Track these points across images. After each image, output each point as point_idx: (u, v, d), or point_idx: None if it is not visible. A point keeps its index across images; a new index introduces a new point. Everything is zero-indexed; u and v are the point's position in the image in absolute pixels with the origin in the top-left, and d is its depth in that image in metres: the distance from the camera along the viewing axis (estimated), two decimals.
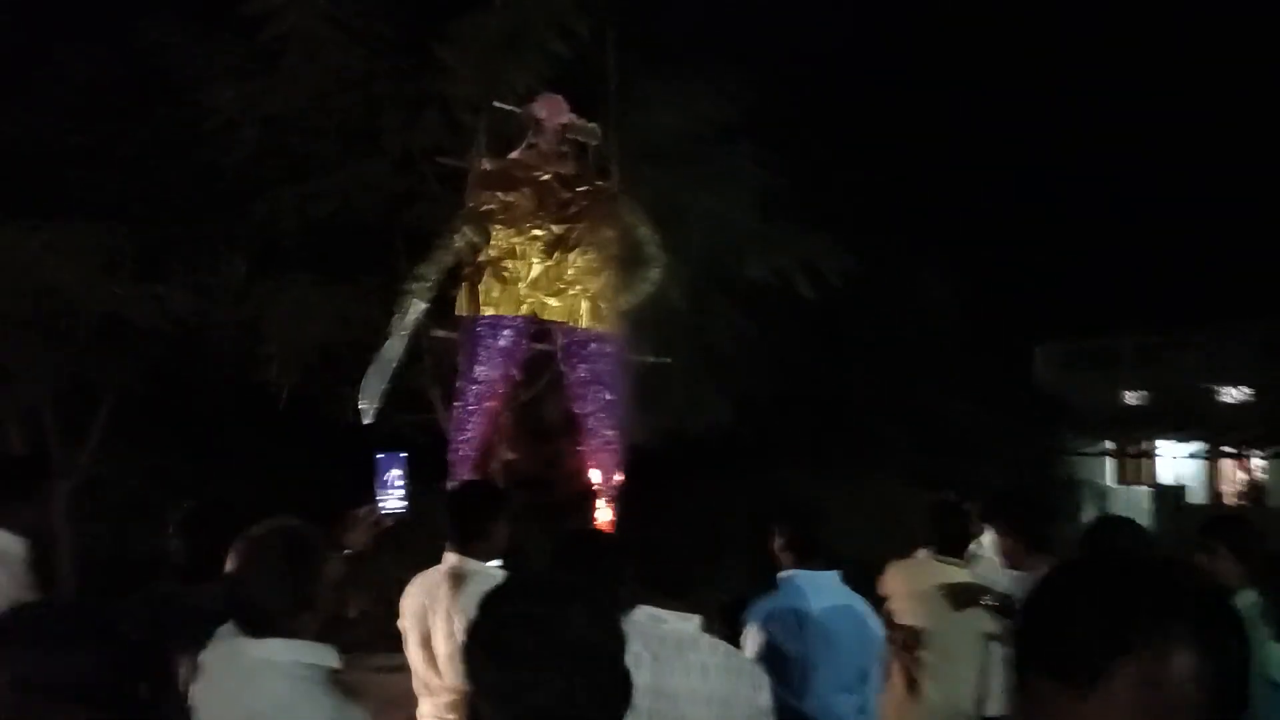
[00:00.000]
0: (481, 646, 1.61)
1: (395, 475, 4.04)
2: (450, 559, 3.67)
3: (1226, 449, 19.61)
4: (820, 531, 3.61)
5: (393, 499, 3.98)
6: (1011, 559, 3.86)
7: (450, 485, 7.09)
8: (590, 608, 1.65)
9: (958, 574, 4.18)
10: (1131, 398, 19.63)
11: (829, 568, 3.53)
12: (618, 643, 1.65)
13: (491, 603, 1.66)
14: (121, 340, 8.64)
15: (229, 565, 2.63)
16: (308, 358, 8.33)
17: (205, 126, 8.01)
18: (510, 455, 8.66)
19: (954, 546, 4.27)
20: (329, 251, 8.48)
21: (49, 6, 8.97)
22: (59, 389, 9.49)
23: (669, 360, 8.06)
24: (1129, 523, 3.47)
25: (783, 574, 3.53)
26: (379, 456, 4.09)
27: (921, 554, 5.11)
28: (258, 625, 2.48)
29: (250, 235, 8.29)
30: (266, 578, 2.53)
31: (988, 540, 4.77)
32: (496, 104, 7.36)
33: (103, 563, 10.24)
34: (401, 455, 4.11)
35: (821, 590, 3.45)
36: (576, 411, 7.45)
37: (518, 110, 7.37)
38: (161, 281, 8.12)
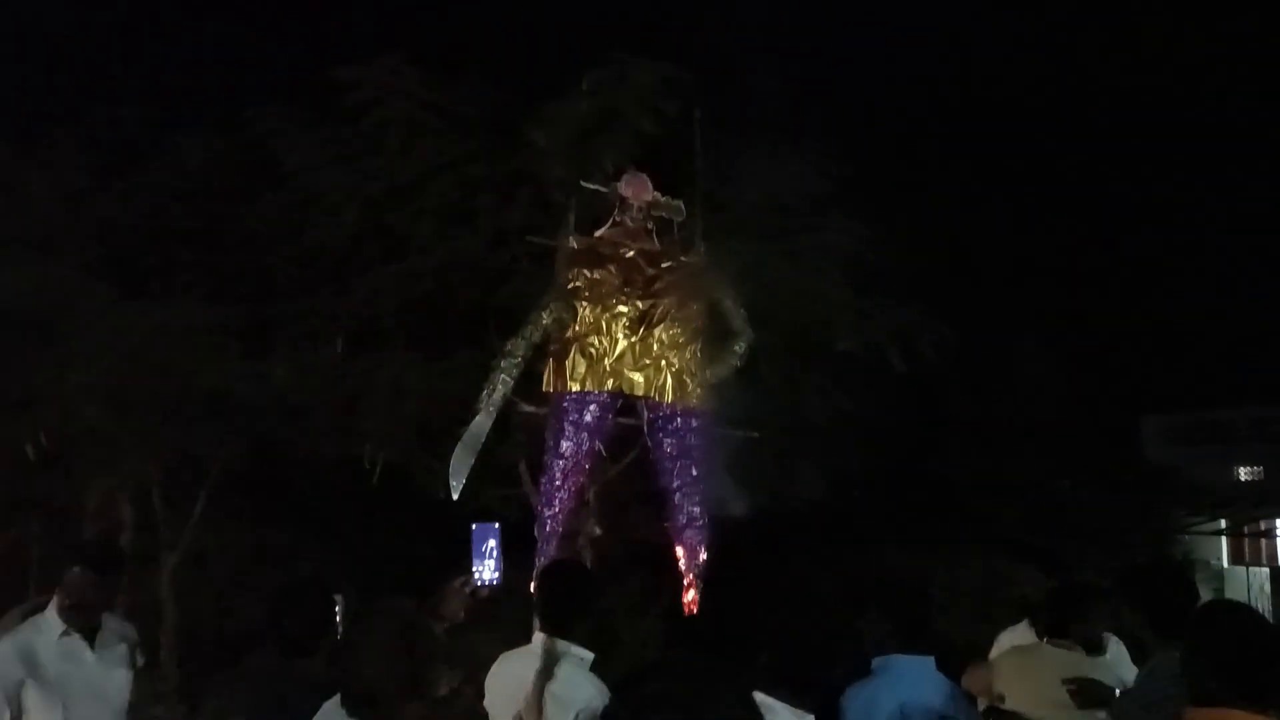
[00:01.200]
0: None
1: (490, 546, 4.05)
2: (540, 639, 3.63)
3: None
4: (924, 614, 3.43)
5: (488, 570, 3.98)
6: (1136, 641, 3.60)
7: (540, 564, 7.10)
8: (730, 688, 1.63)
9: (1081, 663, 3.95)
10: (1246, 473, 18.73)
11: (928, 653, 3.36)
12: None
13: (633, 686, 1.65)
14: (226, 416, 8.93)
15: (344, 645, 2.64)
16: (403, 433, 8.48)
17: (311, 209, 8.33)
18: (598, 530, 8.65)
19: (1065, 629, 4.08)
20: (424, 329, 8.68)
21: (166, 97, 9.52)
22: (167, 464, 9.82)
23: (757, 435, 7.98)
24: (1244, 608, 3.16)
25: (879, 659, 3.37)
26: (474, 527, 4.12)
27: (1019, 630, 4.85)
28: (366, 708, 2.48)
29: (350, 313, 8.53)
30: (380, 662, 2.53)
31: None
32: (584, 183, 7.51)
33: (206, 635, 10.48)
34: (495, 525, 4.12)
35: (921, 677, 3.28)
36: (663, 487, 7.42)
37: (605, 189, 7.51)
38: (265, 359, 8.39)
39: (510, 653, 3.72)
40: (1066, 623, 4.09)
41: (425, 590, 3.89)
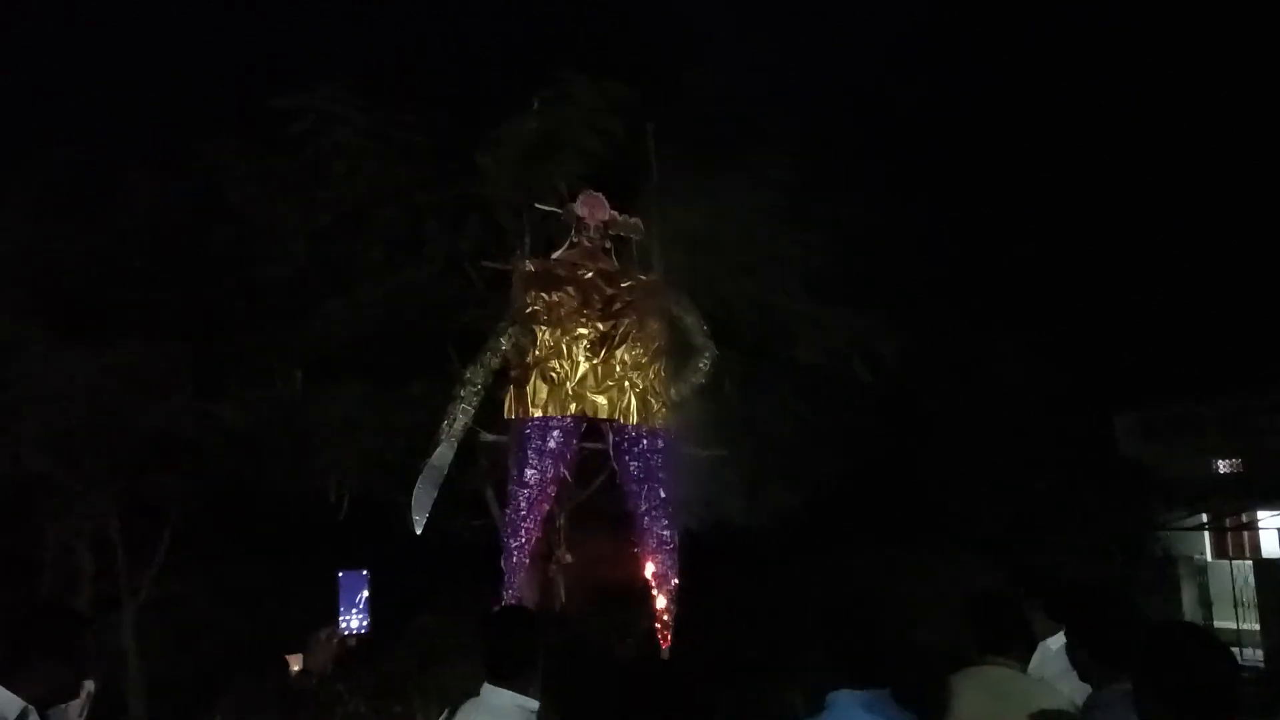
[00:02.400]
0: None
1: (361, 595, 3.93)
2: (486, 691, 3.49)
3: None
4: (871, 646, 3.24)
5: (355, 619, 3.86)
6: (1081, 670, 3.36)
7: (506, 600, 6.92)
8: None
9: (1030, 690, 3.72)
10: (1225, 466, 18.68)
11: (880, 685, 3.18)
12: None
13: None
14: (179, 458, 8.72)
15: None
16: (363, 467, 8.28)
17: (257, 243, 8.14)
18: (569, 557, 8.47)
19: (1004, 645, 3.83)
20: (380, 360, 8.50)
21: (109, 135, 9.32)
22: (124, 509, 9.57)
23: (725, 453, 7.84)
24: (1196, 633, 2.95)
25: (831, 694, 3.21)
26: (341, 575, 3.99)
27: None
28: None
29: (302, 347, 8.33)
30: None
31: (1055, 645, 4.34)
32: (537, 205, 7.37)
33: (173, 682, 10.20)
34: (364, 574, 3.99)
35: (871, 714, 3.12)
36: (631, 509, 7.26)
37: (559, 210, 7.37)
38: (215, 398, 8.18)
39: (464, 706, 3.58)
40: (1005, 641, 3.84)
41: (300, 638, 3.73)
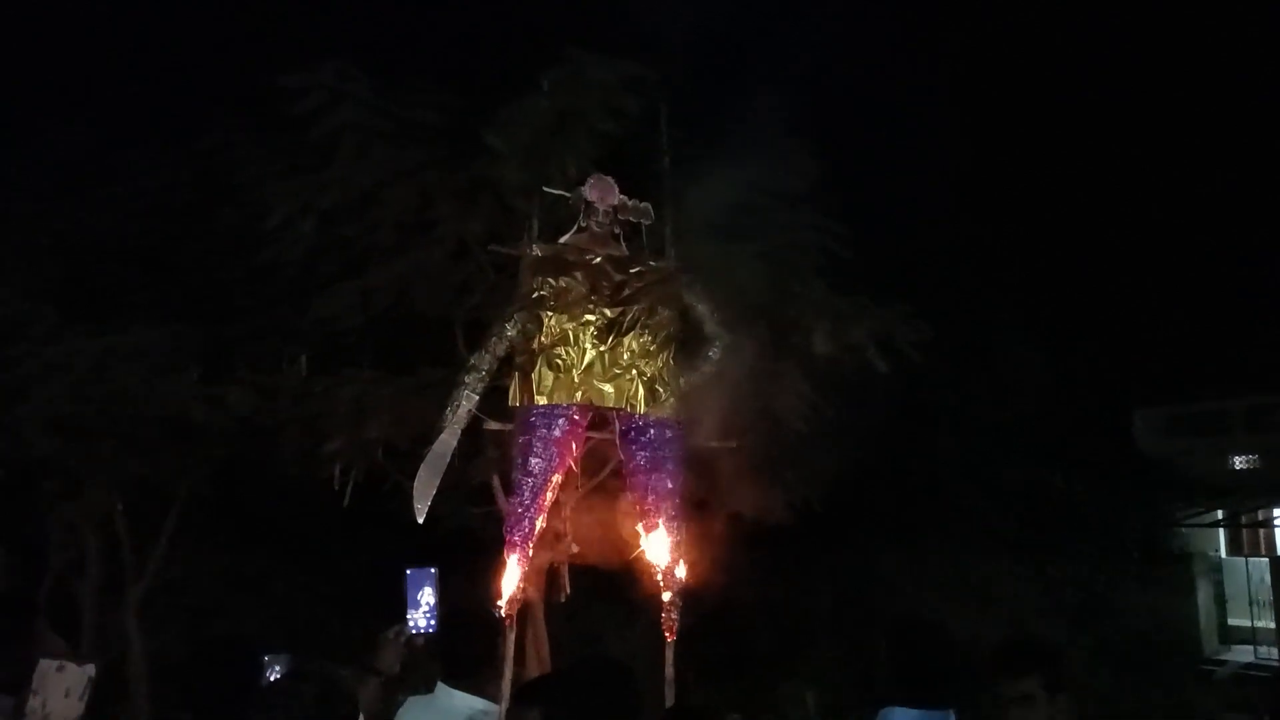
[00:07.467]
0: None
1: (426, 592, 3.81)
2: (441, 690, 3.39)
3: None
4: (937, 661, 2.97)
5: (423, 617, 3.74)
6: None
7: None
8: None
9: None
10: (1242, 462, 18.44)
11: (940, 705, 2.93)
12: None
13: None
14: (187, 442, 8.63)
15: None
16: (371, 453, 8.17)
17: (264, 225, 8.01)
18: (575, 548, 8.35)
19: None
20: (388, 345, 8.38)
21: (116, 114, 9.23)
22: (130, 493, 9.51)
23: (734, 444, 7.68)
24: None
25: (885, 709, 2.96)
26: (409, 572, 3.87)
27: None
28: None
29: (311, 332, 8.22)
30: None
31: None
32: (546, 189, 7.24)
33: (177, 668, 10.14)
34: (432, 571, 3.87)
35: None
36: (638, 500, 7.12)
37: (568, 194, 7.23)
38: (223, 382, 8.08)
39: (414, 700, 3.47)
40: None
41: (365, 638, 3.65)
